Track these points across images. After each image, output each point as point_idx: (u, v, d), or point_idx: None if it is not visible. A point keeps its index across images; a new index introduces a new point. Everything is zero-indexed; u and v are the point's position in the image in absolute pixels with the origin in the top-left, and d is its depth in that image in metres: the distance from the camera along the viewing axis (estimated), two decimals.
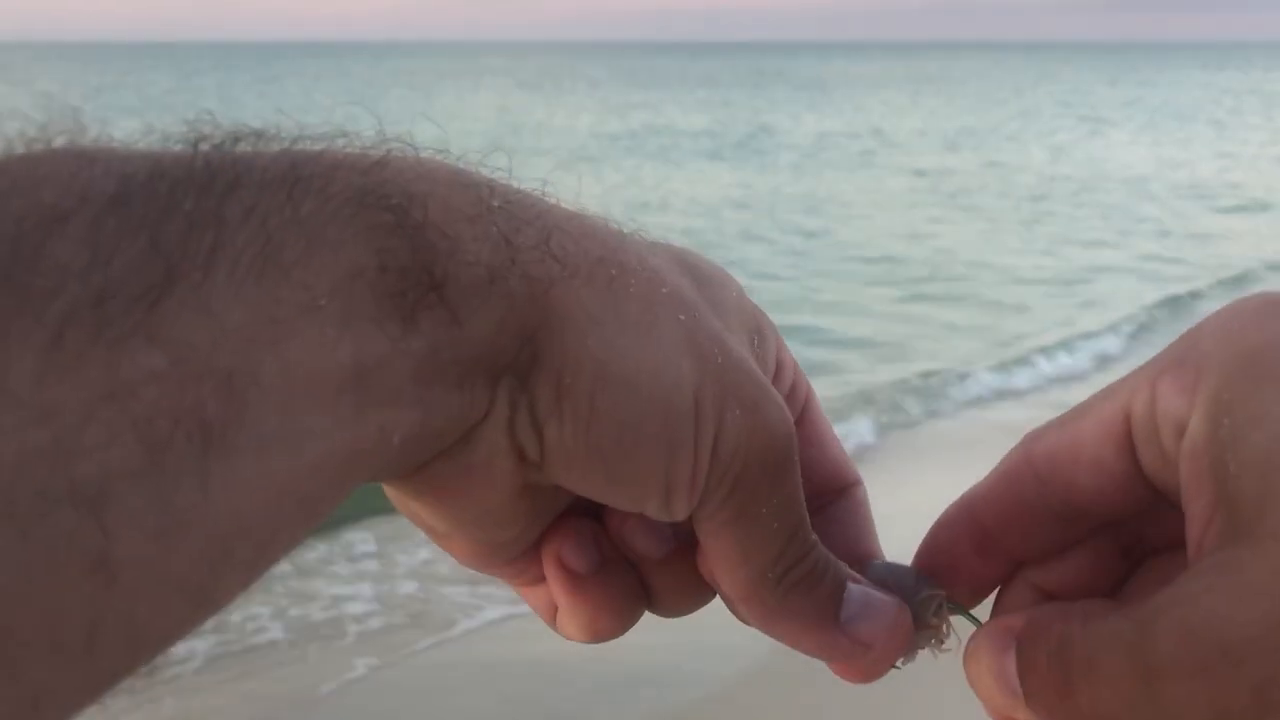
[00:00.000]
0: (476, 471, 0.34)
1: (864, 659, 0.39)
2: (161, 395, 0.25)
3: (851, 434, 5.22)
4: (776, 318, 0.42)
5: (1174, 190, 14.57)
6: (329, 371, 0.28)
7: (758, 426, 0.35)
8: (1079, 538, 0.39)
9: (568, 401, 0.33)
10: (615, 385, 0.33)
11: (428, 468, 0.34)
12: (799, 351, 0.44)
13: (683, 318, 0.35)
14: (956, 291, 9.00)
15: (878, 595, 0.39)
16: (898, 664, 0.39)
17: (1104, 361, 6.75)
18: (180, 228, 0.27)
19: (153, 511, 0.25)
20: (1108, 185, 15.12)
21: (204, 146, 0.30)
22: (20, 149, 0.27)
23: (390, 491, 0.37)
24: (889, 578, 0.40)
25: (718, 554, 0.37)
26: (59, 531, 0.23)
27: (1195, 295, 8.53)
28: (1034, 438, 0.39)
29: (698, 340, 0.35)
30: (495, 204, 0.33)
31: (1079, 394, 0.41)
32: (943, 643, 0.40)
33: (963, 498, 0.40)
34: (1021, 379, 6.45)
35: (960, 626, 0.40)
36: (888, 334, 7.70)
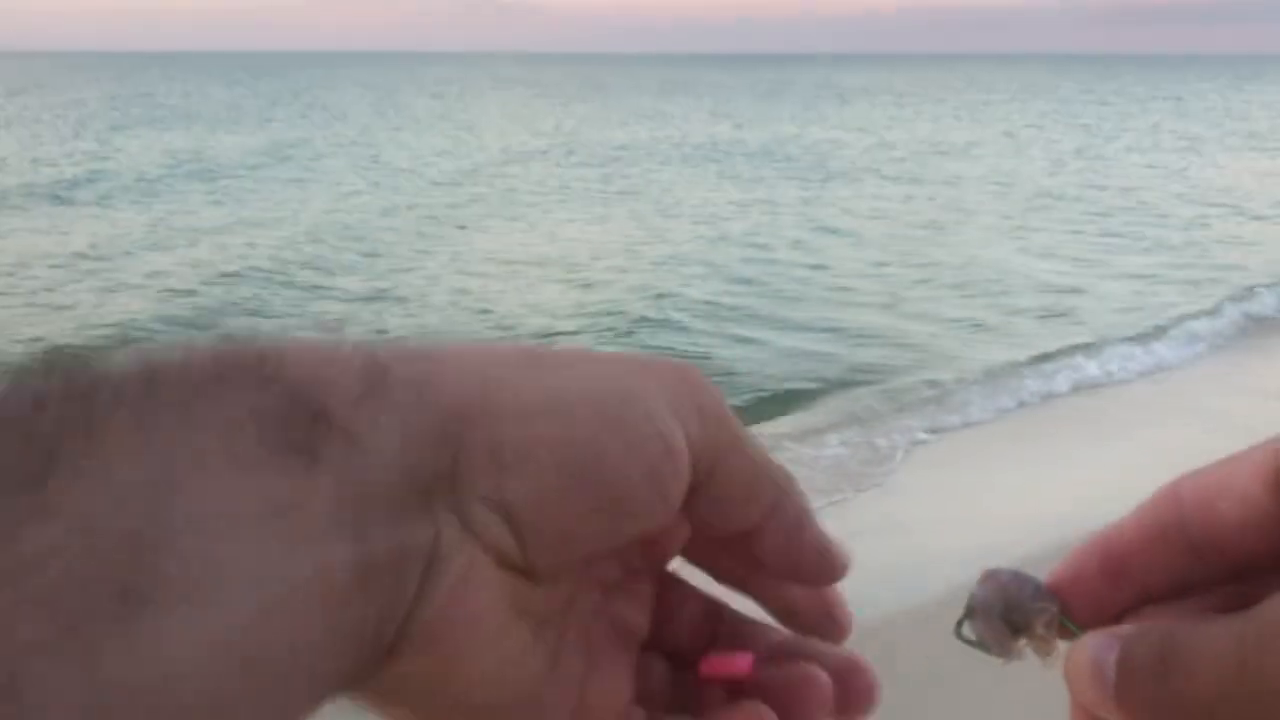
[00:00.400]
0: (460, 605, 0.31)
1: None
2: (67, 566, 0.24)
3: None
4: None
5: None
6: (243, 515, 0.27)
7: (706, 386, 0.36)
8: (1211, 579, 0.39)
9: (515, 464, 0.31)
10: (553, 415, 0.32)
11: (407, 639, 0.31)
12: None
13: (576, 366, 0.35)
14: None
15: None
16: (1000, 661, 0.41)
17: None
18: (53, 416, 0.26)
19: (78, 687, 0.23)
20: None
21: (56, 369, 0.29)
22: None
23: (384, 710, 0.34)
24: (1010, 583, 0.40)
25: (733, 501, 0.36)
26: None
27: None
28: (1187, 474, 0.39)
29: (612, 370, 0.35)
30: (352, 343, 0.32)
31: None
32: (1048, 654, 0.40)
33: (1106, 526, 0.41)
34: None
35: None
36: None
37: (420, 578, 0.30)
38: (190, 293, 10.09)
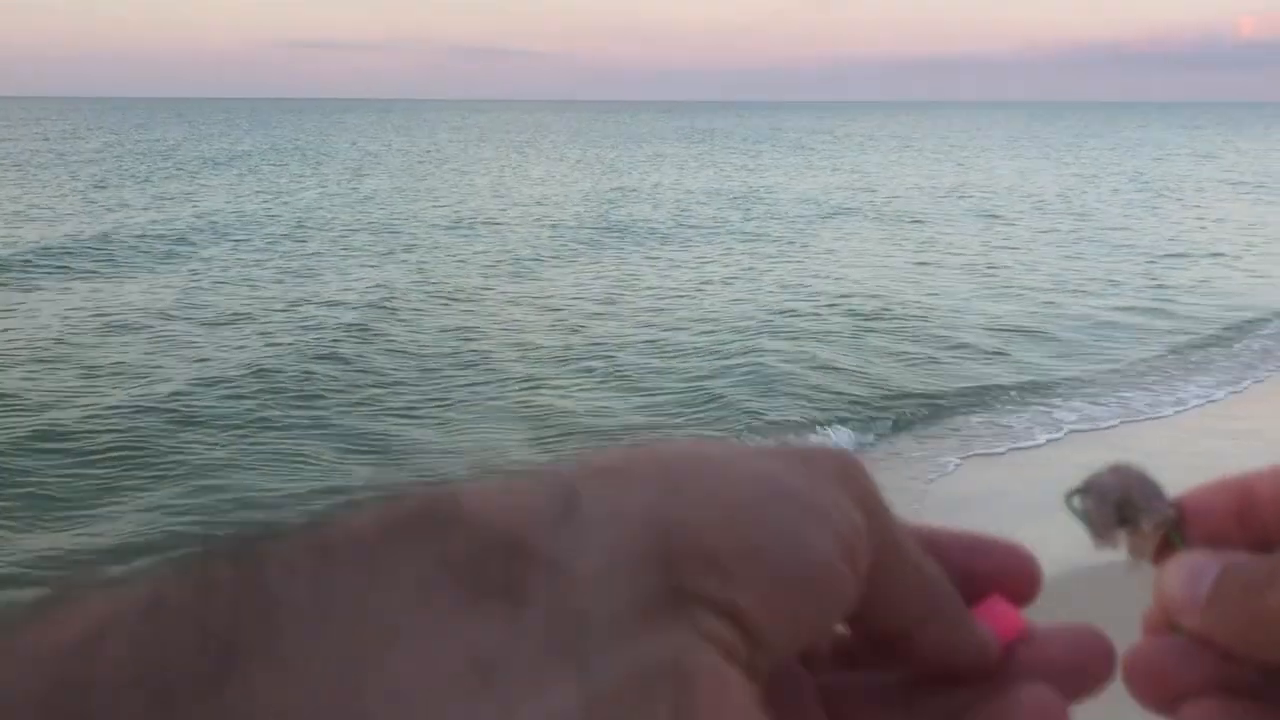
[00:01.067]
0: (718, 708, 0.28)
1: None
2: None
3: None
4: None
5: None
6: (448, 681, 0.25)
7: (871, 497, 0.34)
8: None
9: (736, 569, 0.29)
10: (754, 515, 0.30)
11: None
12: None
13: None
14: None
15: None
16: (1095, 544, 0.40)
17: None
18: (224, 603, 0.25)
19: None
20: None
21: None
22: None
23: None
24: (1137, 478, 0.40)
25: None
26: None
27: None
28: None
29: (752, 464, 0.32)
30: (522, 468, 0.31)
31: None
32: (1142, 556, 0.40)
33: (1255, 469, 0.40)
34: None
35: None
36: None
37: (673, 697, 0.27)
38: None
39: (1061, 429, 7.27)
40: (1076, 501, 0.40)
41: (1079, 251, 15.81)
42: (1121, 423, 7.37)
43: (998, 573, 0.37)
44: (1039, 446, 6.90)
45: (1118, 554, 0.40)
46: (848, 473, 0.33)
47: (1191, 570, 0.37)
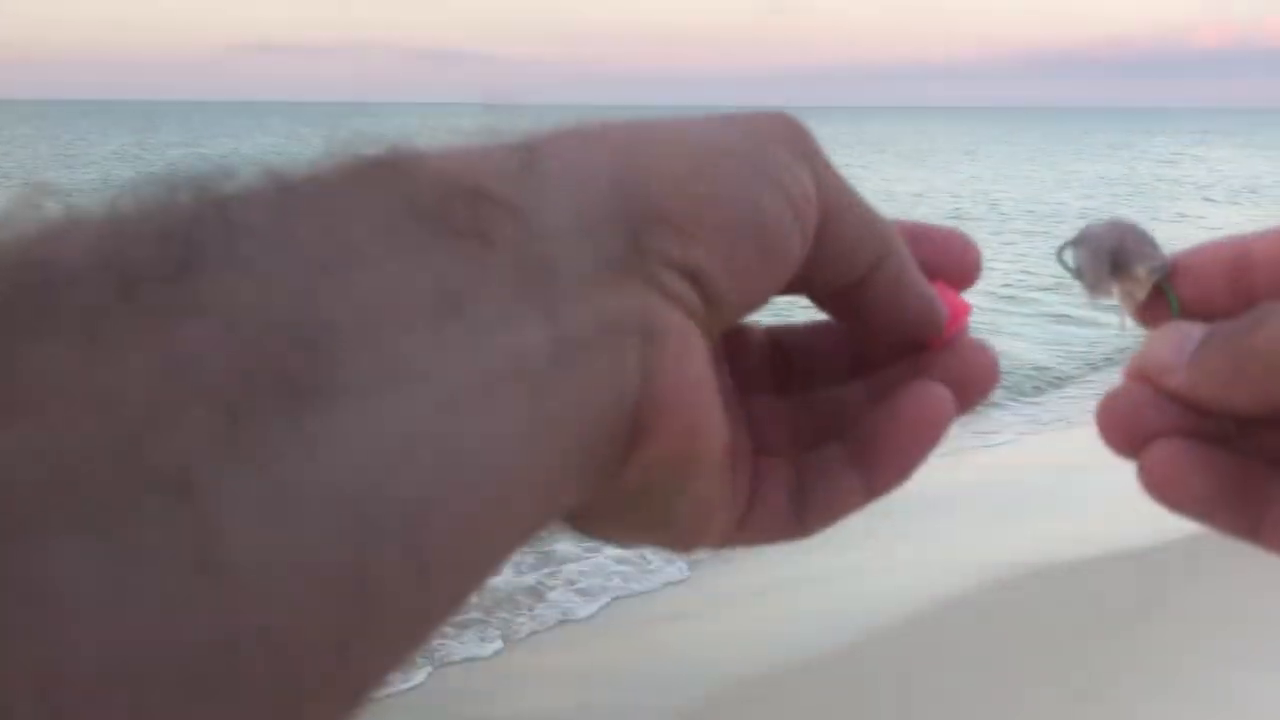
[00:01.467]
0: (687, 373, 0.29)
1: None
2: (227, 360, 0.21)
3: None
4: None
5: None
6: (412, 301, 0.24)
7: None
8: None
9: (692, 229, 0.30)
10: (707, 176, 0.31)
11: (645, 423, 0.28)
12: None
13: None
14: None
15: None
16: (1088, 297, 0.40)
17: None
18: (185, 210, 0.24)
19: (253, 488, 0.20)
20: None
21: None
22: None
23: (621, 521, 0.32)
24: (1130, 229, 0.39)
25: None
26: (147, 528, 0.19)
27: None
28: None
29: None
30: (488, 134, 0.30)
31: None
32: (1136, 303, 0.39)
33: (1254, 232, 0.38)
34: None
35: None
36: None
37: (640, 350, 0.28)
38: None
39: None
40: (1069, 255, 0.40)
41: (1035, 249, 15.71)
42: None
43: (940, 257, 0.38)
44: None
45: (1109, 309, 0.40)
46: (794, 134, 0.34)
47: (1180, 334, 0.36)
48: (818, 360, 0.39)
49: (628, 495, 0.30)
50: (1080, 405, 7.25)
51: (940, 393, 0.35)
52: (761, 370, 0.39)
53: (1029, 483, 5.30)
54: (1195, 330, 0.36)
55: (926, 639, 3.25)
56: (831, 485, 0.36)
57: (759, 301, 0.33)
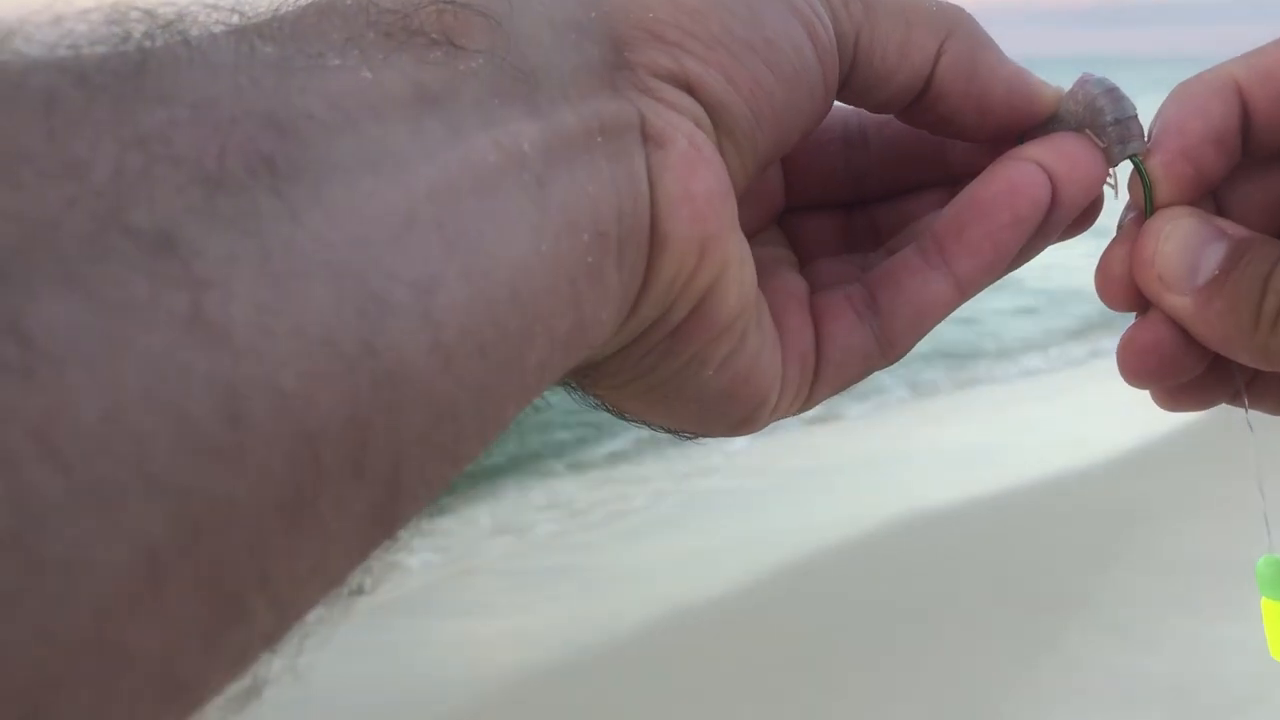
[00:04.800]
0: (700, 184, 0.28)
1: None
2: (197, 139, 0.20)
3: None
4: None
5: None
6: (385, 96, 0.23)
7: None
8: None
9: (683, 40, 0.28)
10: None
11: (658, 244, 0.27)
12: None
13: None
14: None
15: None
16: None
17: None
18: (141, 18, 0.22)
19: (240, 249, 0.19)
20: None
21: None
22: None
23: (654, 394, 0.30)
24: (1103, 93, 0.34)
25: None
26: (132, 284, 0.17)
27: None
28: (1234, 63, 0.34)
29: None
30: None
31: None
32: (1112, 189, 0.36)
33: (1227, 69, 0.34)
34: None
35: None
36: None
37: (645, 150, 0.27)
38: None
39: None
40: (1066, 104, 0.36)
41: None
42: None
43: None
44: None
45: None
46: None
47: (1199, 240, 0.32)
48: (904, 168, 0.36)
49: (653, 358, 0.29)
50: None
51: (1029, 165, 0.32)
52: (832, 178, 0.37)
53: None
54: (1211, 238, 0.32)
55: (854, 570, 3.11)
56: (912, 292, 0.32)
57: (792, 127, 0.30)
